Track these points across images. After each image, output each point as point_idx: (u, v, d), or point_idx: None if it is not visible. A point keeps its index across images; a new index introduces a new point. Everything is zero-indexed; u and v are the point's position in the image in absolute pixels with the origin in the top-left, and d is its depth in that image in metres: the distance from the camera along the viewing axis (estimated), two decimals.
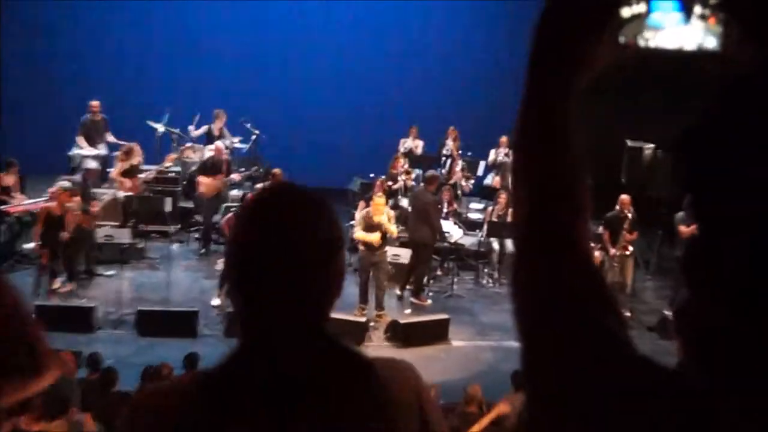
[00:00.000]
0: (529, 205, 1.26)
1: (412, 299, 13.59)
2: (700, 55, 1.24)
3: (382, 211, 12.71)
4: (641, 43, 1.24)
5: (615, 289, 12.92)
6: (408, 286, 13.95)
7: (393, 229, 12.93)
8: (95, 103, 15.98)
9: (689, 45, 1.23)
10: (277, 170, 14.35)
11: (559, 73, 1.26)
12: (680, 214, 12.62)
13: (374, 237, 12.47)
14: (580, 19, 1.23)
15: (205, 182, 14.87)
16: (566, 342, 1.18)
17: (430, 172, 14.55)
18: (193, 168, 15.73)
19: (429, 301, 13.71)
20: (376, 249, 12.65)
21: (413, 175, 16.32)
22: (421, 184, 15.91)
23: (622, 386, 1.13)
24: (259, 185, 14.32)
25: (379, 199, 12.99)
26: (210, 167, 15.00)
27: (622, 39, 1.23)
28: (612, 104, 13.68)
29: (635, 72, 12.90)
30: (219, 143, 15.51)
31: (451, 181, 16.07)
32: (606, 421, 1.12)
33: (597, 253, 13.48)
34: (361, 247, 12.75)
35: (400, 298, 13.66)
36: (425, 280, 13.91)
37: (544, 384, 1.20)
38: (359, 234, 12.70)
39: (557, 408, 1.18)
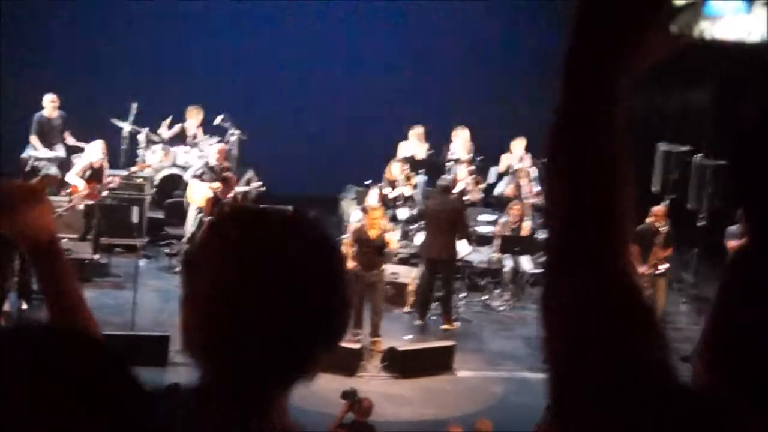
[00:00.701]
0: (563, 219, 1.27)
1: (444, 327, 13.61)
2: (763, 47, 1.24)
3: (379, 225, 12.73)
4: (696, 33, 1.23)
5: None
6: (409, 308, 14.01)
7: (393, 241, 12.92)
8: (52, 97, 15.96)
9: (750, 36, 1.22)
10: (229, 174, 14.49)
11: (602, 70, 1.24)
12: (732, 228, 12.57)
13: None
14: (626, 6, 1.22)
15: (202, 190, 14.90)
16: (603, 373, 1.20)
17: (445, 179, 14.57)
18: (167, 172, 15.71)
19: (458, 324, 13.77)
20: (373, 267, 12.66)
21: (414, 182, 16.30)
22: (419, 194, 15.98)
23: (665, 424, 1.15)
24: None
25: (374, 211, 12.98)
26: (210, 173, 15.00)
27: (674, 29, 1.22)
28: (645, 100, 13.70)
29: (679, 64, 12.95)
30: (223, 145, 15.51)
31: (456, 189, 16.04)
32: None
33: None
34: (354, 265, 12.73)
35: (423, 328, 13.63)
36: (430, 302, 13.90)
37: (576, 419, 1.21)
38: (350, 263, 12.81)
39: None
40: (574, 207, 1.26)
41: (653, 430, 1.15)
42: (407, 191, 15.92)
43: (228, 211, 1.95)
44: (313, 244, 1.69)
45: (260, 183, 15.79)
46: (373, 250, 12.71)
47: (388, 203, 15.47)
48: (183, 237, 14.97)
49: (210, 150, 15.76)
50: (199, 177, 15.15)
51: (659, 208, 13.59)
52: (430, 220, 13.90)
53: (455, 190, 15.78)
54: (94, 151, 14.64)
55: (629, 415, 1.17)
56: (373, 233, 12.69)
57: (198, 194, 14.92)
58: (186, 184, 15.54)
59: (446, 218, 13.57)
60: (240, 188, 14.97)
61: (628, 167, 1.28)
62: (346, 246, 13.03)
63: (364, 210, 14.81)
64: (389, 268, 13.94)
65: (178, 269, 14.75)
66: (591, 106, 1.25)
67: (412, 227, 15.63)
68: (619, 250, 1.26)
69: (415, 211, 15.75)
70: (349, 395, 10.00)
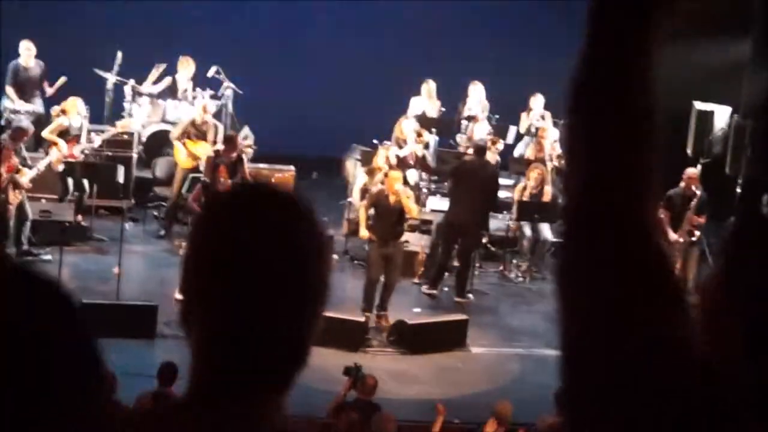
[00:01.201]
0: (585, 176, 1.26)
1: (457, 299, 13.61)
2: None
3: (398, 190, 12.58)
4: None
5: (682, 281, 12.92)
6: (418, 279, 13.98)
7: (414, 208, 12.84)
8: (28, 44, 15.80)
9: None
10: (232, 133, 14.47)
11: (633, 16, 1.24)
12: None
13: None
14: None
15: (185, 150, 14.84)
16: (620, 348, 1.20)
17: (480, 141, 14.45)
18: (155, 128, 15.65)
19: (471, 297, 13.77)
20: (391, 239, 12.59)
21: (426, 142, 16.20)
22: (430, 154, 15.85)
23: (683, 404, 1.17)
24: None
25: (395, 173, 12.95)
26: (194, 131, 14.97)
27: None
28: (677, 54, 13.50)
29: (714, 13, 12.80)
30: (206, 101, 15.57)
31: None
32: None
33: None
34: (370, 237, 12.68)
35: (434, 299, 13.64)
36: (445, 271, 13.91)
37: (587, 401, 1.22)
38: (363, 231, 12.85)
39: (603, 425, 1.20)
40: (595, 168, 1.25)
41: (656, 417, 1.17)
42: (418, 151, 15.81)
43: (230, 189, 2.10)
44: (300, 218, 1.71)
45: (251, 142, 15.66)
46: (392, 219, 12.59)
47: (397, 164, 15.42)
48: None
49: (197, 105, 15.67)
50: (185, 136, 15.03)
51: (692, 172, 13.57)
52: (460, 183, 13.73)
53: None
54: (70, 110, 14.55)
55: (652, 401, 1.18)
56: (392, 199, 12.56)
57: (183, 156, 14.86)
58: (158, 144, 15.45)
59: (481, 184, 13.50)
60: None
61: (656, 126, 1.27)
62: (362, 211, 12.98)
63: (371, 172, 14.74)
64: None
65: (163, 234, 14.72)
66: (618, 57, 1.24)
67: (423, 191, 15.56)
68: (645, 215, 1.26)
69: (425, 175, 15.68)
70: (352, 371, 9.97)
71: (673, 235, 13.09)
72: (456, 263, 14.05)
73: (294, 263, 1.65)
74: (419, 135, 15.85)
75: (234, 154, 13.93)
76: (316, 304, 1.67)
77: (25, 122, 14.33)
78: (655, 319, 1.21)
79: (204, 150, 14.84)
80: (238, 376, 1.62)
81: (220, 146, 14.36)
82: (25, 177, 13.07)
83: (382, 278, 12.66)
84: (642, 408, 1.17)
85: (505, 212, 15.21)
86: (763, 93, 13.33)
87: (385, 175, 13.34)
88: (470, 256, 13.76)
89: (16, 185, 12.82)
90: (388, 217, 12.55)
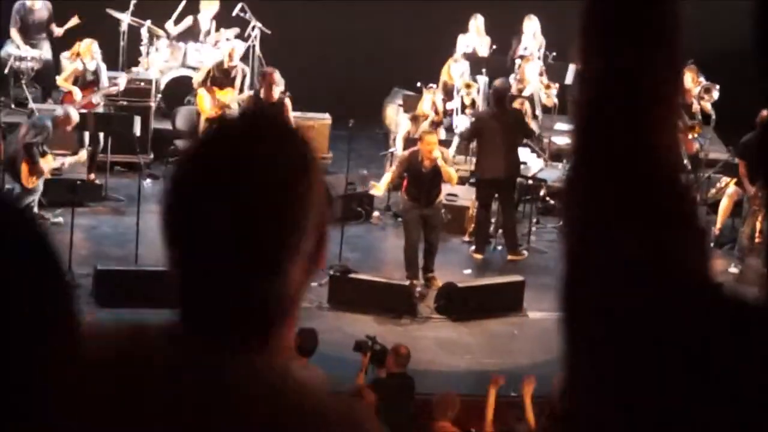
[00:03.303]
0: (595, 75, 1.29)
1: (511, 257, 13.66)
2: None
3: (434, 155, 12.52)
4: None
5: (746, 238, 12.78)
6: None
7: (454, 174, 12.73)
8: None
9: None
10: (269, 69, 14.49)
11: None
12: None
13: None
14: None
15: (210, 97, 14.89)
16: (624, 269, 1.24)
17: (500, 86, 14.26)
18: (175, 74, 15.61)
19: (526, 253, 13.82)
20: (425, 204, 12.64)
21: (476, 87, 16.04)
22: (481, 99, 15.67)
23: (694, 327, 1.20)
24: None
25: (430, 137, 12.91)
26: (219, 77, 14.96)
27: None
28: None
29: None
30: (236, 43, 15.57)
31: (526, 92, 15.77)
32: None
33: (731, 190, 13.19)
34: (404, 196, 12.74)
35: (484, 262, 13.58)
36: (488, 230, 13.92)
37: (589, 335, 1.30)
38: (377, 190, 13.35)
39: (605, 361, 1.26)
40: (604, 83, 1.28)
41: (678, 333, 1.21)
42: (467, 101, 15.71)
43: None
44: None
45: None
46: (426, 184, 12.62)
47: (444, 112, 15.31)
48: None
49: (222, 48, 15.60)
50: (210, 82, 14.98)
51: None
52: (482, 137, 13.78)
53: (524, 93, 15.47)
54: (84, 54, 14.48)
55: (650, 319, 1.22)
56: (427, 164, 12.49)
57: (209, 104, 14.82)
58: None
59: (503, 132, 13.46)
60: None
61: (680, 25, 1.29)
62: (389, 176, 12.97)
63: (415, 119, 14.62)
64: (444, 189, 13.75)
65: None
66: None
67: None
68: (653, 125, 1.27)
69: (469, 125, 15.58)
70: (364, 346, 9.75)
71: (751, 188, 12.79)
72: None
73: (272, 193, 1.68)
74: (468, 86, 15.67)
75: (274, 96, 13.96)
76: (300, 236, 1.69)
77: (74, 112, 13.90)
78: (663, 237, 1.24)
79: (231, 97, 14.80)
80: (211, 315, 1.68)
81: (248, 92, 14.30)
82: (48, 164, 12.97)
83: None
84: (632, 321, 1.23)
85: (564, 161, 15.05)
86: None
87: (416, 118, 13.20)
88: (512, 207, 13.82)
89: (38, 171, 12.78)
90: (422, 182, 12.59)
